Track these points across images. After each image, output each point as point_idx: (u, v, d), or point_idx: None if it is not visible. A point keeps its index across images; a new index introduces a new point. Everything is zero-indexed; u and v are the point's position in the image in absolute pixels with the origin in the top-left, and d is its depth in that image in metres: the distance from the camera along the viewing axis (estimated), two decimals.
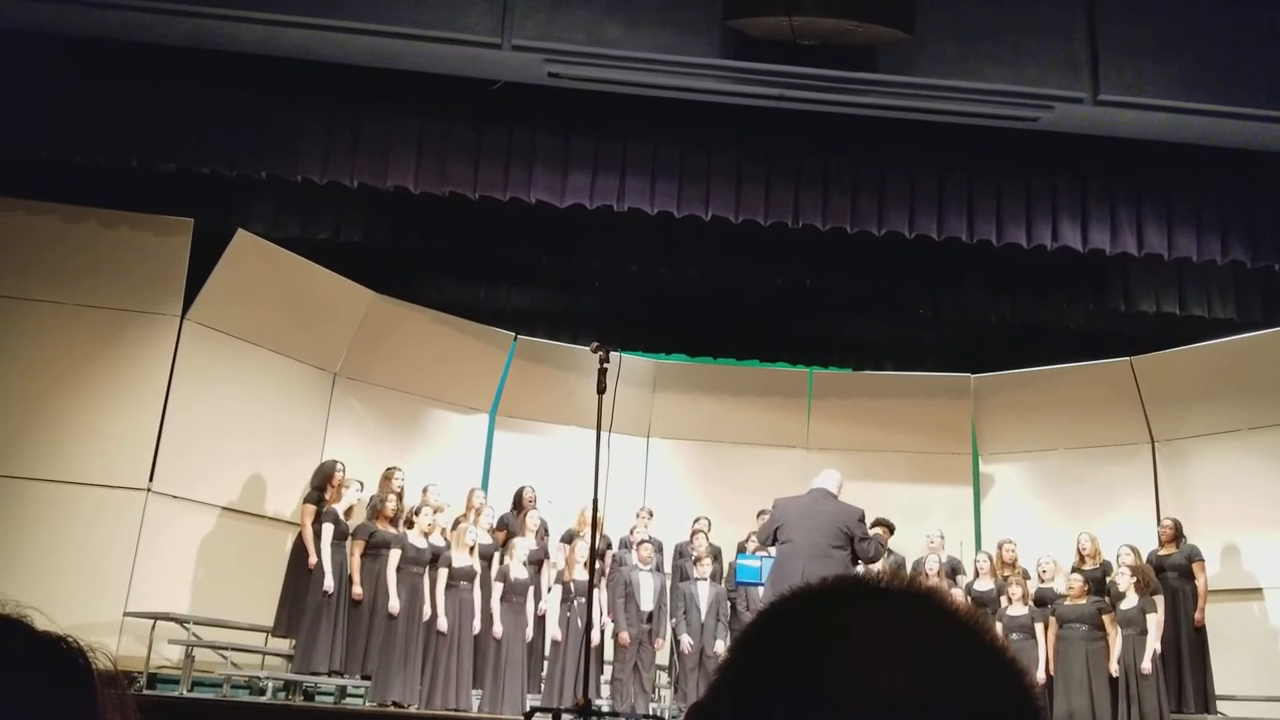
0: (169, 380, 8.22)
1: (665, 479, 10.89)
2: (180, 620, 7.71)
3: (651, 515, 9.39)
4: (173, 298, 8.32)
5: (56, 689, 0.80)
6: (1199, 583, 8.54)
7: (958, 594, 8.66)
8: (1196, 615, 8.46)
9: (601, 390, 5.11)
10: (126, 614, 7.65)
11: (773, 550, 6.79)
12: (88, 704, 0.81)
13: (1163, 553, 8.77)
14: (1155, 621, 8.06)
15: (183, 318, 8.33)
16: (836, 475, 6.67)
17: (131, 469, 7.98)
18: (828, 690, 0.57)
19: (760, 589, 7.62)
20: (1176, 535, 8.82)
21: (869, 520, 9.48)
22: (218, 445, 8.41)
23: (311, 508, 7.93)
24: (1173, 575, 8.61)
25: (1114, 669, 7.99)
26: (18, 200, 8.11)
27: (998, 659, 0.61)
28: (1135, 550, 8.48)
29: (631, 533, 9.19)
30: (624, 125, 7.45)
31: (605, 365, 5.15)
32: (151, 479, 8.02)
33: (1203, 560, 8.64)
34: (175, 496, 8.16)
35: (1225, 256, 7.70)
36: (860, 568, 8.68)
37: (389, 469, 8.53)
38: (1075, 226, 7.59)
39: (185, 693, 7.26)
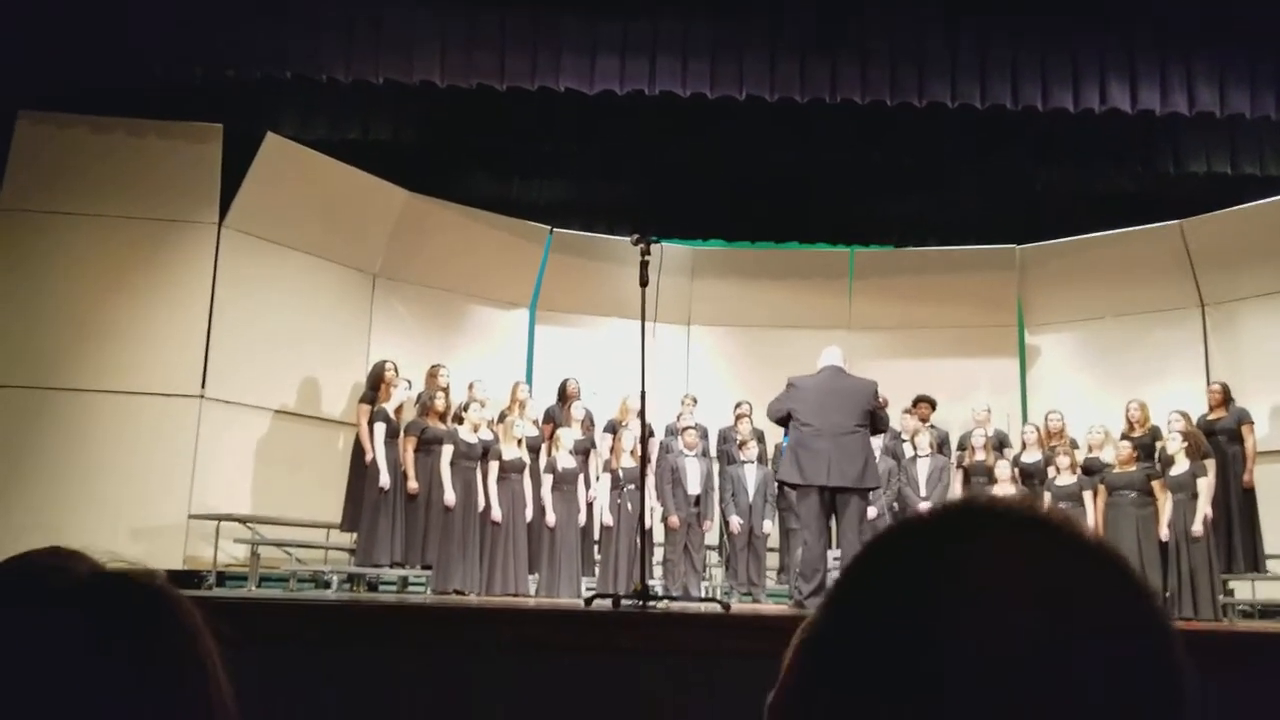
0: (212, 288, 8.28)
1: (707, 365, 10.92)
2: (243, 520, 7.94)
3: (695, 402, 9.45)
4: (208, 206, 8.32)
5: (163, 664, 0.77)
6: (1247, 445, 8.49)
7: (1004, 467, 8.69)
8: (1245, 477, 8.43)
9: (644, 283, 5.04)
10: (191, 516, 7.88)
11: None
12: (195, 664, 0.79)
13: (1212, 417, 8.71)
14: (1206, 485, 8.04)
15: (220, 225, 8.35)
16: (840, 350, 6.62)
17: (184, 377, 8.12)
18: (945, 621, 0.56)
19: None
20: (1226, 399, 8.74)
21: (911, 398, 9.55)
22: (265, 350, 8.52)
23: (366, 407, 8.08)
24: (1222, 439, 8.56)
25: (1164, 534, 8.02)
26: (46, 114, 8.08)
27: (1127, 583, 0.59)
28: (1186, 415, 8.42)
29: (677, 419, 9.27)
30: (652, 3, 7.23)
31: (647, 258, 5.08)
32: (204, 385, 8.16)
33: (1252, 423, 8.58)
34: (228, 402, 8.30)
35: None
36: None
37: (434, 367, 8.61)
38: (1124, 87, 7.34)
39: (254, 589, 7.50)
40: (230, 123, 8.31)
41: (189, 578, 7.67)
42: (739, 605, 7.06)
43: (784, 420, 6.50)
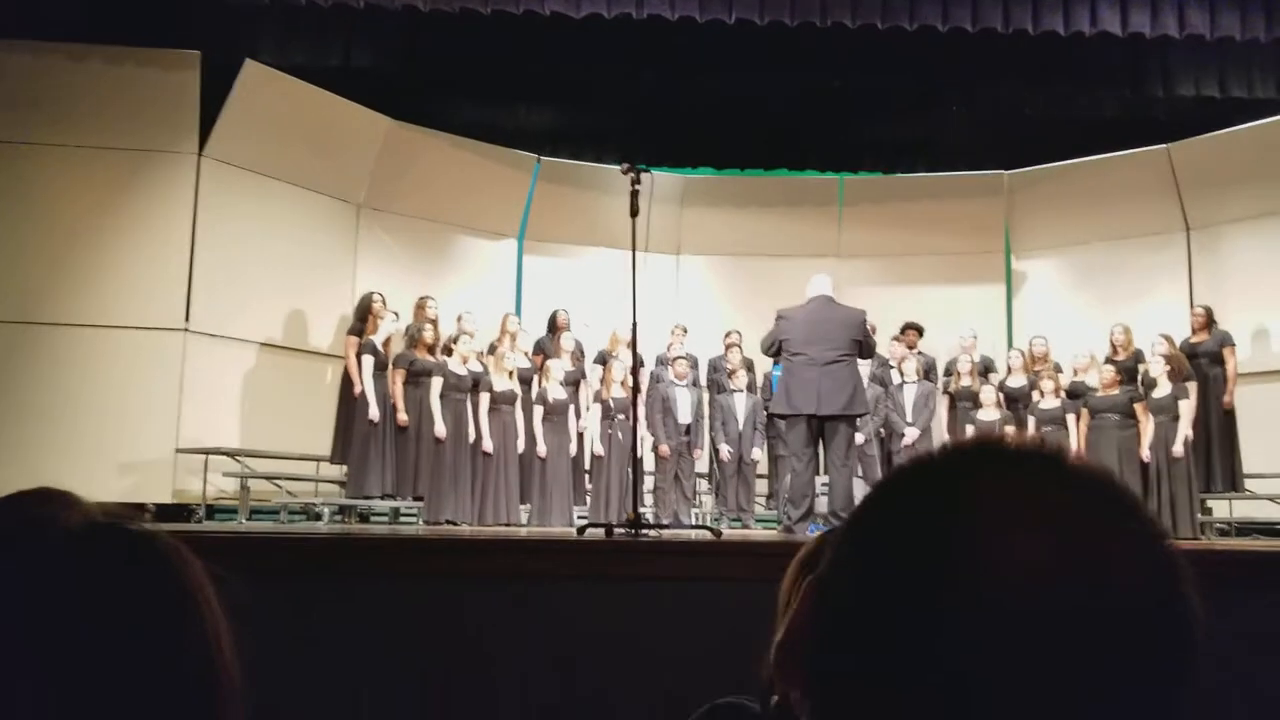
0: (193, 219, 8.19)
1: (697, 295, 10.90)
2: (231, 454, 7.95)
3: (685, 332, 9.46)
4: (187, 135, 8.19)
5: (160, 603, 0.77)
6: (1229, 367, 8.59)
7: (989, 391, 8.77)
8: (1225, 398, 8.54)
9: (634, 213, 5.00)
10: (179, 450, 7.88)
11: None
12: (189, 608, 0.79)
13: (1194, 340, 8.79)
14: (1187, 407, 8.13)
15: (200, 155, 8.22)
16: (829, 278, 6.64)
17: (166, 310, 8.06)
18: (958, 562, 0.56)
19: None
20: (1208, 322, 8.82)
21: (899, 326, 9.58)
22: (249, 282, 8.45)
23: (354, 339, 8.06)
24: (1204, 361, 8.66)
25: (1145, 455, 8.12)
26: (19, 41, 7.89)
27: (1138, 520, 0.59)
28: (1169, 339, 8.50)
29: (667, 349, 9.29)
30: None
31: (637, 187, 5.03)
32: (187, 319, 8.10)
33: (1233, 345, 8.67)
34: (213, 335, 8.26)
35: (1270, 33, 7.41)
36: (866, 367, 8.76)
37: (422, 298, 8.58)
38: (1114, 9, 7.28)
39: (244, 522, 7.53)
40: (208, 49, 8.14)
41: (178, 511, 7.70)
42: (729, 531, 7.15)
43: (777, 352, 6.55)
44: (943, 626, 0.55)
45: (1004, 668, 0.54)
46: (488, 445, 8.10)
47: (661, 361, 9.27)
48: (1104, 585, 0.55)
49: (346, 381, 8.11)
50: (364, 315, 8.18)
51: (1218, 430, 8.58)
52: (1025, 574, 0.55)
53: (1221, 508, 8.86)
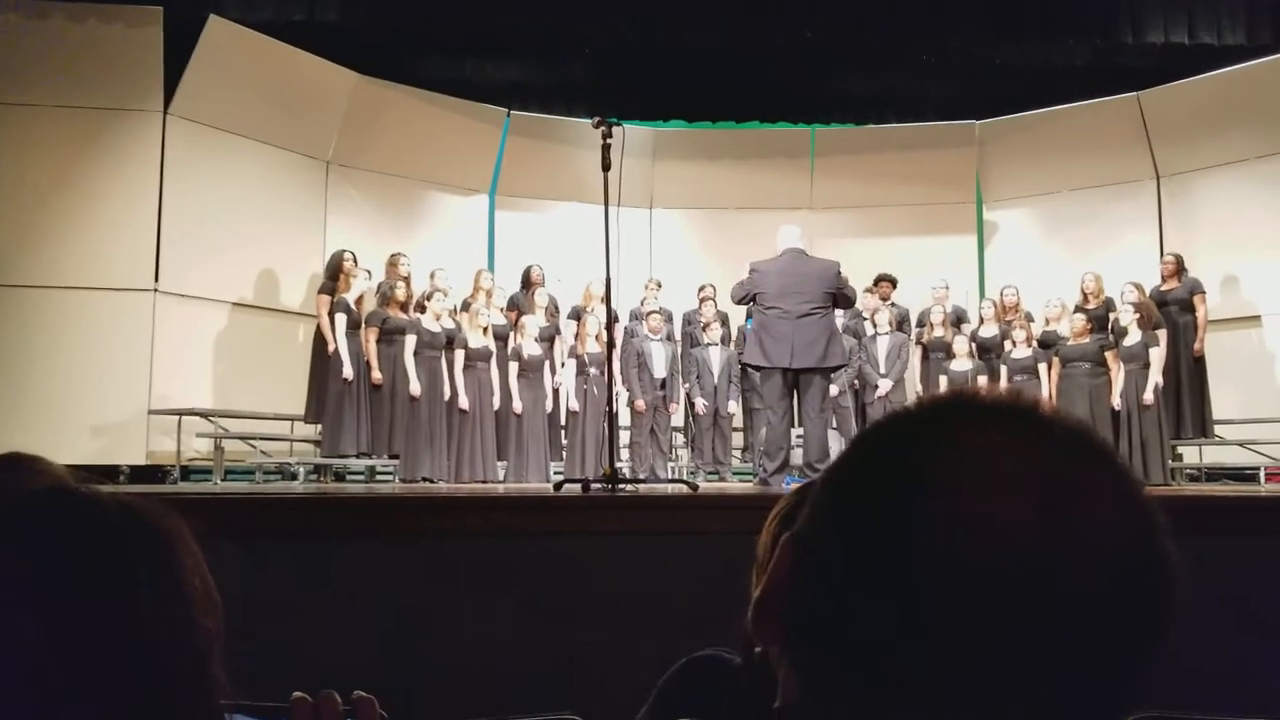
0: (160, 178, 8.08)
1: (670, 249, 10.87)
2: (205, 414, 7.90)
3: (660, 286, 9.44)
4: (152, 93, 8.06)
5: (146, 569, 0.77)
6: (1199, 315, 8.65)
7: (962, 342, 8.81)
8: (1196, 346, 8.61)
9: (607, 167, 4.97)
10: (151, 411, 7.83)
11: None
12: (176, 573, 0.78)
13: (1165, 288, 8.84)
14: (1157, 355, 8.20)
15: (165, 113, 8.09)
16: (798, 229, 6.62)
17: (136, 270, 7.97)
18: (934, 515, 0.56)
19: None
20: (1178, 269, 8.87)
21: (872, 278, 9.59)
22: (218, 241, 8.37)
23: (326, 298, 7.99)
24: (1174, 309, 8.71)
25: (1116, 403, 8.20)
26: None
27: (1114, 473, 0.59)
28: (1139, 287, 8.54)
29: (641, 304, 9.27)
30: None
31: (608, 141, 4.99)
32: (157, 279, 8.02)
33: (1204, 293, 8.73)
34: (183, 295, 8.18)
35: None
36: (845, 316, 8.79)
37: (394, 255, 8.51)
38: None
39: (219, 482, 7.51)
40: (171, 5, 7.99)
41: (152, 473, 7.67)
42: (706, 485, 7.19)
43: (746, 301, 6.54)
44: (917, 583, 0.55)
45: (980, 623, 0.54)
46: (463, 402, 8.09)
47: (636, 316, 9.25)
48: (1080, 540, 0.55)
49: (319, 340, 8.05)
50: (335, 273, 8.11)
51: (1188, 377, 8.65)
52: (998, 529, 0.55)
53: (1192, 454, 8.98)
